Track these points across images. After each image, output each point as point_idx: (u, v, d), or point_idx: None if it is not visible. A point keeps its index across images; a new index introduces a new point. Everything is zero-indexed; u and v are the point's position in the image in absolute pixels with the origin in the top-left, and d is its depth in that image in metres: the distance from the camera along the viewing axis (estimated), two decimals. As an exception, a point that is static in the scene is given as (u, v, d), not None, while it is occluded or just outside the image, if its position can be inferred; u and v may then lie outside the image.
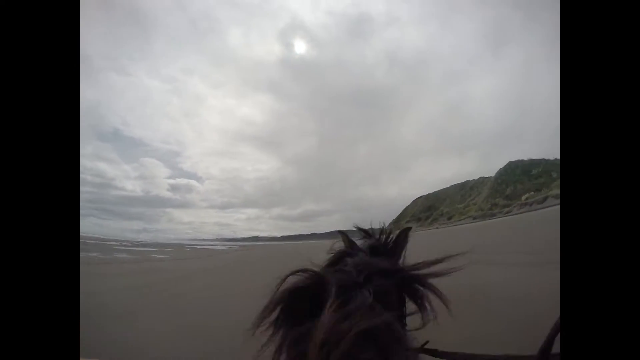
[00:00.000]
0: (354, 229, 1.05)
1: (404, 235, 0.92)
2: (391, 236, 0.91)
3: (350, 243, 0.95)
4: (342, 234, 1.00)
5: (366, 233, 0.99)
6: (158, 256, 27.29)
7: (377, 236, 0.93)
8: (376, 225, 0.97)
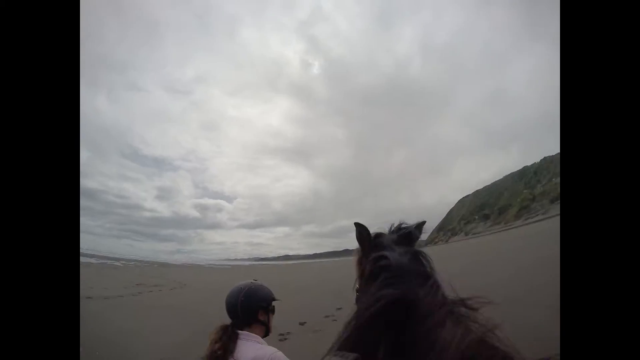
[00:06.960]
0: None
1: (418, 228, 1.07)
2: (408, 229, 1.04)
3: (368, 235, 1.06)
4: (358, 225, 1.07)
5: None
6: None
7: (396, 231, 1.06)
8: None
